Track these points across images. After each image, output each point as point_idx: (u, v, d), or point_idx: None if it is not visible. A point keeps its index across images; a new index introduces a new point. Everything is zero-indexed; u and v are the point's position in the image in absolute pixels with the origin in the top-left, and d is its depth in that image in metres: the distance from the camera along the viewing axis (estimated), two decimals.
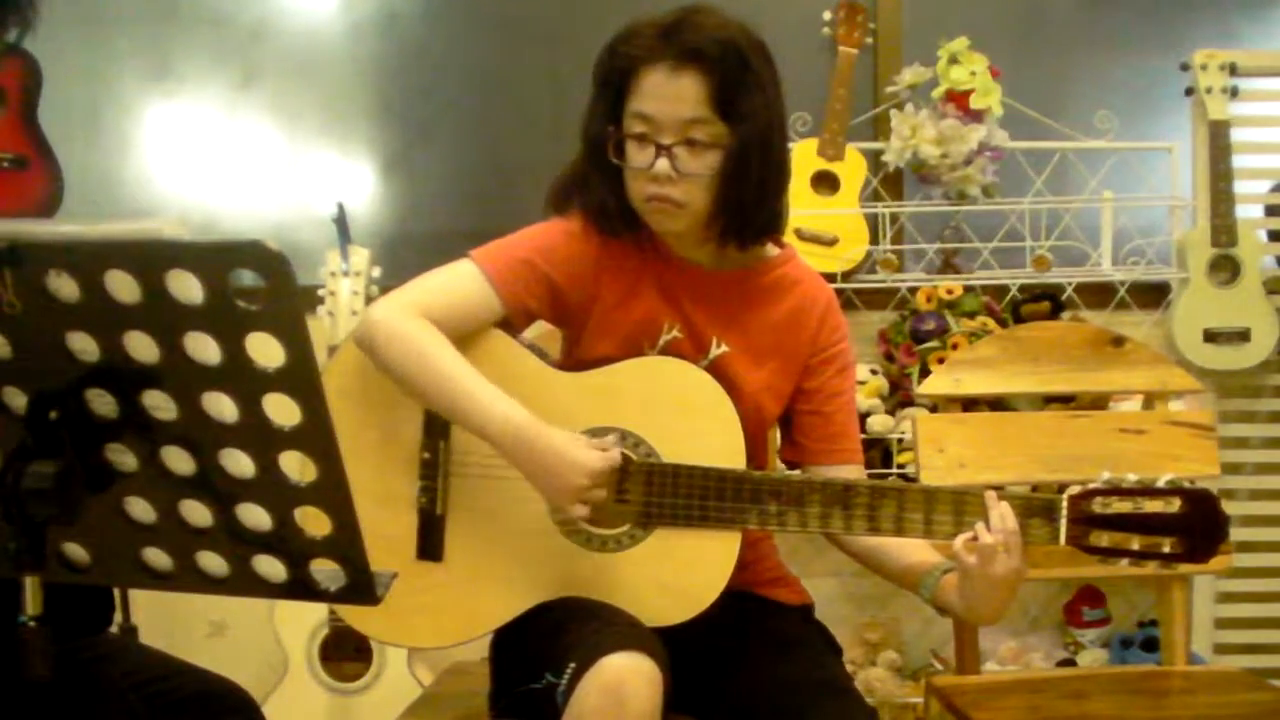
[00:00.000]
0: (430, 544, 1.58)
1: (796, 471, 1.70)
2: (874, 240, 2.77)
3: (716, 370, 1.59)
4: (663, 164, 1.51)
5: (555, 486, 1.48)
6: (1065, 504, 1.50)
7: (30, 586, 1.01)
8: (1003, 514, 1.48)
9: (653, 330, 1.62)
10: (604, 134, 1.55)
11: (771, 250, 1.68)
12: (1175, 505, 1.48)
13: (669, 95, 1.50)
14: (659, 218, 1.56)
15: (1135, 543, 1.49)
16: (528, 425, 1.48)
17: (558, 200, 1.64)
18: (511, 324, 1.60)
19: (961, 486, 1.54)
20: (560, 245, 1.60)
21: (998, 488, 1.52)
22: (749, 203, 1.56)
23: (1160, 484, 1.50)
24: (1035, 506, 1.51)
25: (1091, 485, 1.51)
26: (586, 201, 1.60)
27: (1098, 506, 1.50)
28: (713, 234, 1.59)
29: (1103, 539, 1.50)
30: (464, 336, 1.55)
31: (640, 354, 1.60)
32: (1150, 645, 2.69)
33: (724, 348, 1.63)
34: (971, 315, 2.69)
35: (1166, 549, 1.49)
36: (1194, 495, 1.49)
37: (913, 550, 1.61)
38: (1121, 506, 1.49)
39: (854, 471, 1.68)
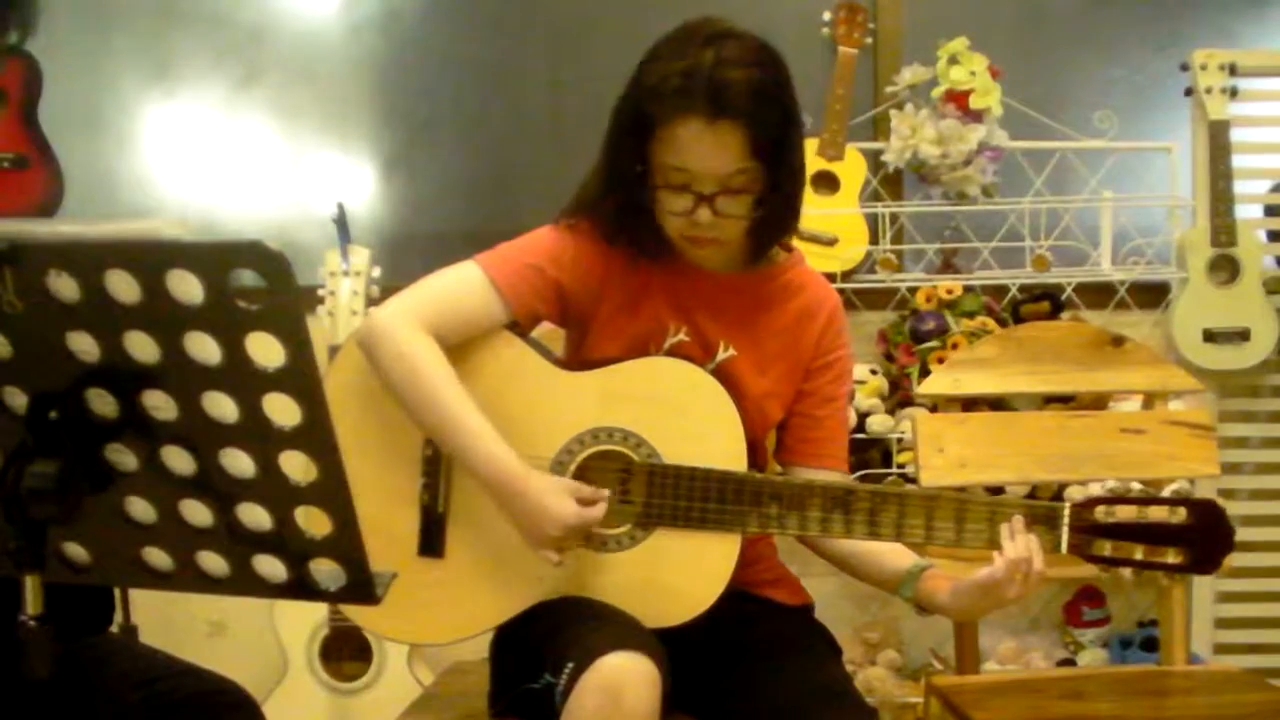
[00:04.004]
0: (432, 540, 1.58)
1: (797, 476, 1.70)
2: (874, 240, 2.77)
3: (722, 374, 1.59)
4: (704, 213, 1.50)
5: (530, 533, 1.50)
6: (1068, 512, 1.48)
7: (30, 586, 1.01)
8: (1030, 546, 1.45)
9: (659, 333, 1.62)
10: (634, 175, 1.51)
11: (779, 254, 1.69)
12: (1181, 515, 1.46)
13: (709, 150, 1.47)
14: (694, 252, 1.58)
15: (1139, 552, 1.47)
16: (512, 470, 1.49)
17: (574, 219, 1.62)
18: (518, 325, 1.60)
19: (963, 494, 1.53)
20: (568, 250, 1.60)
21: (998, 488, 1.51)
22: (777, 223, 1.59)
23: (1165, 492, 1.48)
24: (1037, 515, 1.49)
25: (1095, 494, 1.49)
26: (614, 229, 1.58)
27: (1101, 515, 1.48)
28: (737, 251, 1.61)
29: (1105, 548, 1.48)
30: (469, 340, 1.56)
31: (646, 355, 1.60)
32: (1150, 645, 2.69)
33: (731, 351, 1.63)
34: (971, 315, 2.69)
35: (1170, 559, 1.47)
36: (1200, 506, 1.46)
37: (889, 552, 1.60)
38: (1125, 515, 1.47)
39: (835, 478, 1.67)
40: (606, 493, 1.52)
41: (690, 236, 1.54)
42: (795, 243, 1.72)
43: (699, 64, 1.46)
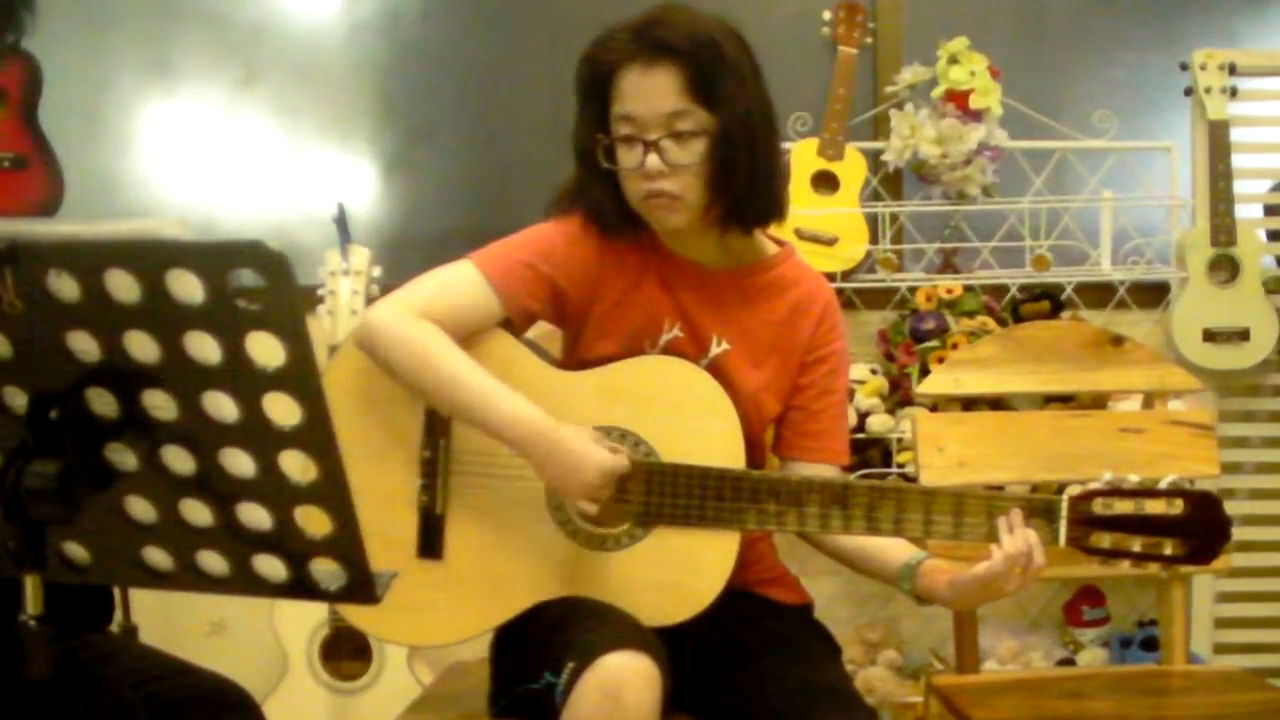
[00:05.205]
0: (431, 542, 1.58)
1: (796, 471, 1.70)
2: (874, 240, 2.77)
3: (716, 369, 1.59)
4: (652, 160, 1.51)
5: (569, 483, 1.49)
6: (1065, 505, 1.49)
7: (30, 586, 1.01)
8: (1030, 540, 1.46)
9: (653, 329, 1.62)
10: (592, 142, 1.55)
11: (771, 248, 1.69)
12: (1178, 507, 1.47)
13: (646, 91, 1.51)
14: (659, 215, 1.56)
15: (1136, 544, 1.48)
16: (540, 423, 1.49)
17: (559, 210, 1.64)
18: (513, 324, 1.60)
19: (961, 487, 1.54)
20: (561, 247, 1.60)
21: (998, 487, 1.52)
22: (744, 186, 1.56)
23: (1162, 485, 1.49)
24: (1035, 507, 1.50)
25: (1092, 486, 1.50)
26: (587, 208, 1.60)
27: (1099, 508, 1.49)
28: (713, 224, 1.60)
29: (1104, 540, 1.49)
30: (464, 338, 1.56)
31: (641, 353, 1.60)
32: (1150, 645, 2.69)
33: (724, 346, 1.63)
34: (971, 315, 2.69)
35: (1168, 551, 1.48)
36: (1197, 497, 1.48)
37: (889, 546, 1.61)
38: (1123, 508, 1.48)
39: (833, 472, 1.67)
40: (620, 441, 1.52)
41: (647, 194, 1.54)
42: (795, 242, 1.72)
43: (641, 22, 1.53)
